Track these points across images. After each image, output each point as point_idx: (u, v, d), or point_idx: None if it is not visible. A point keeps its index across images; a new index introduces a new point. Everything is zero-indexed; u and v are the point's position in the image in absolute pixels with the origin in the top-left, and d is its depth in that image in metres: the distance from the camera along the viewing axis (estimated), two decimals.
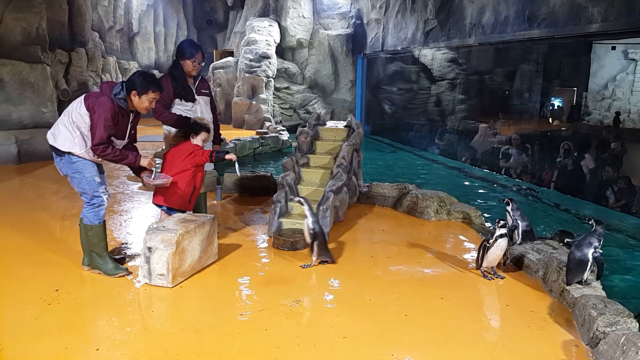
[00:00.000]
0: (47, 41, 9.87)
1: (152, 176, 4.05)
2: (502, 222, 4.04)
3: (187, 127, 4.42)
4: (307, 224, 4.27)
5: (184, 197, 4.31)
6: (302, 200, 4.48)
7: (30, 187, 7.09)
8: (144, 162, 3.94)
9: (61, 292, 3.64)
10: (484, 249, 4.07)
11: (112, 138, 3.73)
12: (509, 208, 4.70)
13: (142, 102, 3.76)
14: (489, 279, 4.06)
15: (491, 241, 4.02)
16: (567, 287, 3.64)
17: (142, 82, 3.73)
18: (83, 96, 3.77)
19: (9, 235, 4.89)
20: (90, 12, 14.97)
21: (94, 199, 3.84)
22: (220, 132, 4.98)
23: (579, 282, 3.64)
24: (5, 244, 4.68)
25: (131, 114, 3.85)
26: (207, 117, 4.68)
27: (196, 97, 4.61)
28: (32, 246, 4.61)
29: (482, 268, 4.14)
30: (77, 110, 3.68)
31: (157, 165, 4.12)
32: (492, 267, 4.13)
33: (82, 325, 3.25)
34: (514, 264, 4.37)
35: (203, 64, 4.64)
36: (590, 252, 3.57)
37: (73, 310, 3.42)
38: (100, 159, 3.85)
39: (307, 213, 4.32)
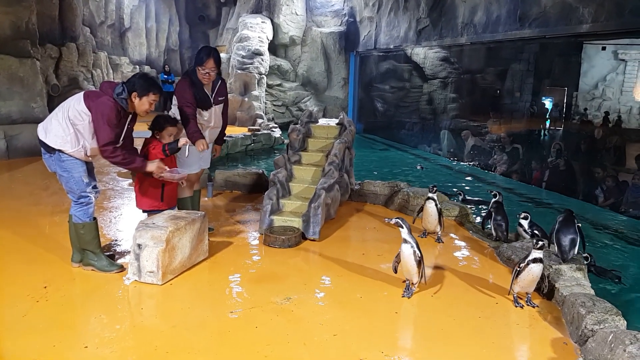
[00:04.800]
0: (37, 36, 9.79)
1: (168, 171, 4.02)
2: (539, 243, 3.53)
3: (152, 123, 4.27)
4: (409, 250, 3.61)
5: (154, 197, 4.22)
6: (399, 221, 3.68)
7: (19, 183, 7.02)
8: (151, 168, 3.91)
9: (50, 289, 3.61)
10: (516, 271, 3.61)
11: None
12: (524, 222, 4.73)
13: (143, 103, 3.72)
14: (519, 306, 3.57)
15: (522, 265, 3.56)
16: (557, 285, 3.67)
17: (142, 84, 3.69)
18: (82, 93, 3.70)
19: None
20: (81, 6, 14.85)
21: (81, 198, 3.80)
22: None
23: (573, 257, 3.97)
24: None
25: (129, 116, 3.81)
26: (219, 123, 4.61)
27: (213, 106, 4.46)
28: (21, 242, 4.56)
29: (514, 293, 3.65)
30: (75, 106, 3.61)
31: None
32: (526, 293, 3.64)
33: (70, 322, 3.22)
34: (503, 262, 4.40)
35: (216, 71, 4.29)
36: (576, 228, 3.94)
37: (61, 307, 3.39)
38: (91, 158, 3.82)
39: (408, 237, 3.64)
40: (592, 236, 6.27)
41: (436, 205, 4.83)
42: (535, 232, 4.65)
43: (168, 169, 4.03)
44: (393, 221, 3.67)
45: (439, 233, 4.94)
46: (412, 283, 3.73)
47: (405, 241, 3.61)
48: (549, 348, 3.07)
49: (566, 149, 10.22)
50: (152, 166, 3.91)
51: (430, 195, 4.86)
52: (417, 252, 3.61)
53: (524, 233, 4.73)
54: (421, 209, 4.97)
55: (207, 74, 4.27)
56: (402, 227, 3.64)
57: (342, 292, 3.77)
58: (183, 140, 4.10)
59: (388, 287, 3.86)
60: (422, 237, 4.96)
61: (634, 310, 4.33)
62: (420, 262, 3.63)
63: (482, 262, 4.48)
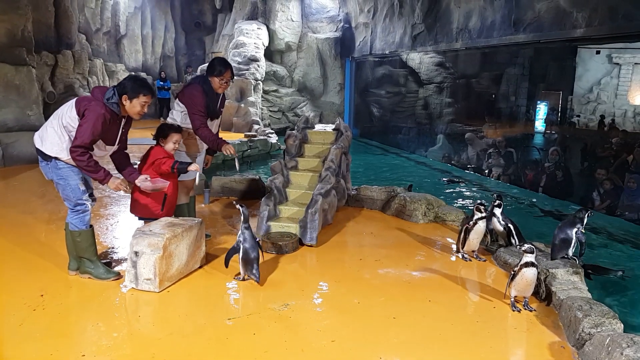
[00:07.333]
0: (33, 43, 9.78)
1: (145, 181, 3.98)
2: (526, 246, 3.57)
3: (156, 132, 4.29)
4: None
5: (154, 205, 4.20)
6: (241, 209, 3.99)
7: (15, 191, 7.00)
8: (111, 185, 3.86)
9: (46, 297, 3.60)
10: (511, 276, 3.63)
11: (102, 142, 3.70)
12: (497, 211, 4.59)
13: (134, 106, 3.71)
14: (517, 310, 3.57)
15: (516, 269, 3.58)
16: (554, 289, 3.69)
17: (132, 86, 3.68)
18: (74, 99, 3.71)
19: None
20: (76, 14, 14.83)
21: (77, 206, 3.80)
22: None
23: (564, 257, 4.08)
24: None
25: (122, 120, 3.80)
26: (216, 131, 4.70)
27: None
28: (17, 251, 4.54)
29: (511, 297, 3.64)
30: (68, 113, 3.63)
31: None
32: (524, 297, 3.64)
33: (67, 330, 3.21)
34: (500, 266, 4.40)
35: (232, 82, 4.59)
36: (573, 232, 4.05)
37: (58, 315, 3.38)
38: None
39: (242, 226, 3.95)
40: (589, 239, 6.29)
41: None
42: (509, 225, 4.53)
43: (143, 178, 3.99)
44: (237, 205, 3.99)
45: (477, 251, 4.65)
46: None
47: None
48: (546, 352, 3.08)
49: (562, 152, 10.25)
50: (112, 184, 3.86)
51: (481, 214, 4.44)
52: (241, 243, 3.84)
53: (497, 224, 4.56)
54: (467, 230, 4.52)
55: (226, 83, 4.49)
56: (242, 215, 3.94)
57: (340, 298, 3.77)
58: (194, 166, 4.23)
59: (385, 292, 3.86)
60: (466, 260, 4.57)
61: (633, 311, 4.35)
62: (246, 254, 3.83)
63: (479, 266, 4.49)
